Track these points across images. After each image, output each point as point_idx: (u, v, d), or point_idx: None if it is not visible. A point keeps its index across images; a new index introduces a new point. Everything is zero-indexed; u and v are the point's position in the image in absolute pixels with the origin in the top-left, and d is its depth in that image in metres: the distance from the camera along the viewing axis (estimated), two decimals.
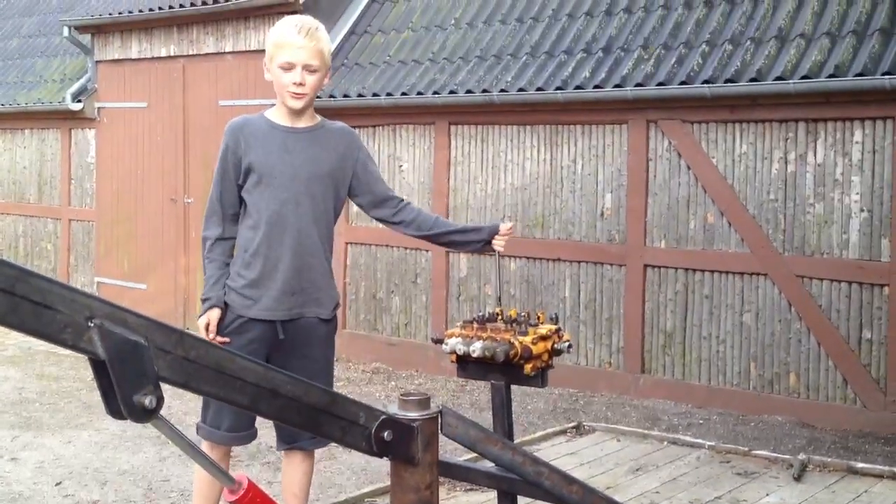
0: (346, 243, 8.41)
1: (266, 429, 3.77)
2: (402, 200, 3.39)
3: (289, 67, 3.11)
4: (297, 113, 3.20)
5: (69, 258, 11.07)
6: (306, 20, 3.18)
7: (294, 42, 3.10)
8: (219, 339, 3.15)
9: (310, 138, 3.22)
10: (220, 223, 3.24)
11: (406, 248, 8.17)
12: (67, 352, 8.83)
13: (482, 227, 3.41)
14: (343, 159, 3.26)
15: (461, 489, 4.07)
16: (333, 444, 5.69)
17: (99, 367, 2.05)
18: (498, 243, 3.31)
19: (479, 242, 3.34)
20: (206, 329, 3.16)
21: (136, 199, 10.22)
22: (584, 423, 5.10)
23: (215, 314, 3.18)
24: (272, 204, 3.16)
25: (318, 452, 4.64)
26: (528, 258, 7.47)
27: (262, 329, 3.17)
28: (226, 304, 3.19)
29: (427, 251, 8.02)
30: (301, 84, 3.12)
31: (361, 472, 5.16)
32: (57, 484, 4.98)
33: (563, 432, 4.90)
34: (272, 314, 3.17)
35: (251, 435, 3.30)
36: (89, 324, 2.00)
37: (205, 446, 3.21)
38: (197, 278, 9.41)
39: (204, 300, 3.20)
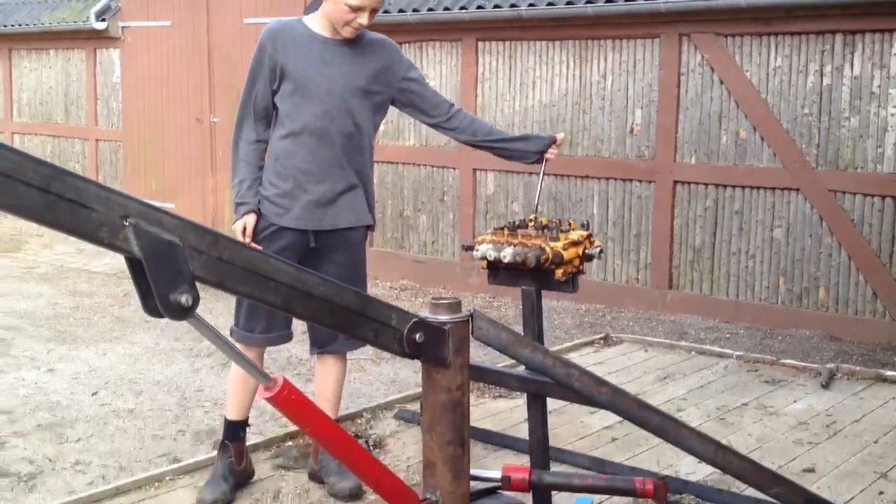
0: (373, 162, 8.37)
1: (296, 341, 3.80)
2: (454, 106, 3.36)
3: (357, 9, 3.05)
4: None
5: (97, 178, 11.14)
6: None
7: None
8: (253, 245, 3.16)
9: (349, 51, 3.17)
10: (254, 126, 3.20)
11: (433, 167, 8.14)
12: (99, 269, 8.99)
13: (538, 137, 3.37)
14: (383, 72, 3.21)
15: (489, 396, 4.12)
16: (363, 357, 5.76)
17: (135, 266, 2.07)
18: (552, 152, 3.30)
19: (535, 153, 3.32)
20: (243, 234, 3.17)
21: (163, 118, 10.22)
22: (612, 335, 5.13)
23: (252, 219, 3.18)
24: (307, 116, 3.12)
25: (347, 365, 4.68)
26: (556, 175, 7.42)
27: (293, 237, 3.18)
28: (258, 210, 3.19)
29: (454, 169, 7.99)
30: (365, 25, 3.09)
31: (391, 383, 5.23)
32: (93, 394, 5.09)
33: (591, 343, 4.93)
34: (304, 224, 3.17)
35: (286, 336, 3.32)
36: (124, 223, 2.02)
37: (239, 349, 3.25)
38: (225, 197, 9.45)
39: (239, 204, 3.19)
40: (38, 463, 4.11)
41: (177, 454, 4.10)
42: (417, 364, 2.73)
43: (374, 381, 5.31)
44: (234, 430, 3.37)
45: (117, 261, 8.93)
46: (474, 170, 7.84)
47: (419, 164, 8.22)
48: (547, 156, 3.30)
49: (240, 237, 3.13)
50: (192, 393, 5.12)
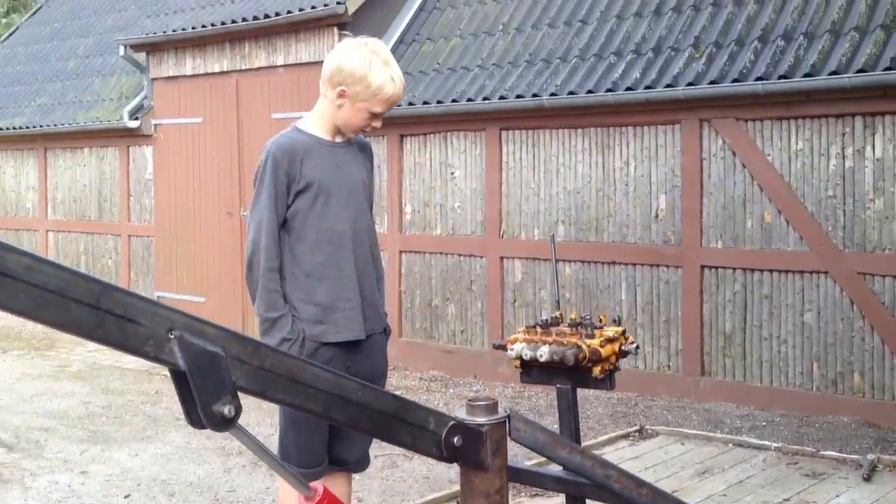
0: (400, 251, 8.45)
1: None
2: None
3: (379, 115, 3.08)
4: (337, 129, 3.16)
5: (130, 273, 11.29)
6: (393, 63, 3.07)
7: (393, 96, 3.05)
8: None
9: (350, 151, 3.19)
10: (274, 249, 3.05)
11: (461, 256, 8.20)
12: (131, 366, 9.00)
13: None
14: (370, 170, 3.30)
15: (527, 494, 4.07)
16: (395, 452, 5.71)
17: (179, 377, 2.10)
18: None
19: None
20: None
21: (194, 213, 10.39)
22: (647, 427, 5.07)
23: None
24: (334, 223, 3.08)
25: (379, 461, 4.60)
26: (582, 262, 7.45)
27: (336, 351, 3.09)
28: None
29: (482, 257, 8.04)
30: (378, 128, 3.15)
31: (424, 479, 5.18)
32: (126, 496, 5.08)
33: (626, 436, 4.88)
34: (349, 335, 3.09)
35: (321, 472, 3.18)
36: (170, 335, 2.05)
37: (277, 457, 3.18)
38: None
39: (288, 340, 3.02)
40: None
41: None
42: None
43: (408, 478, 5.27)
44: None
45: None
46: (501, 258, 7.89)
47: (446, 254, 8.28)
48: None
49: None
50: (225, 493, 5.10)
